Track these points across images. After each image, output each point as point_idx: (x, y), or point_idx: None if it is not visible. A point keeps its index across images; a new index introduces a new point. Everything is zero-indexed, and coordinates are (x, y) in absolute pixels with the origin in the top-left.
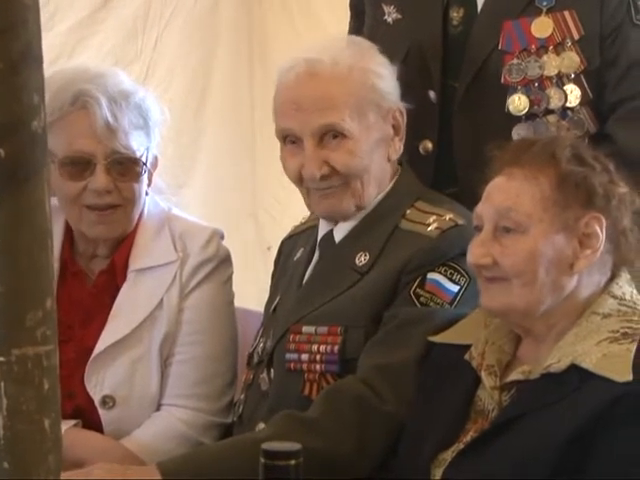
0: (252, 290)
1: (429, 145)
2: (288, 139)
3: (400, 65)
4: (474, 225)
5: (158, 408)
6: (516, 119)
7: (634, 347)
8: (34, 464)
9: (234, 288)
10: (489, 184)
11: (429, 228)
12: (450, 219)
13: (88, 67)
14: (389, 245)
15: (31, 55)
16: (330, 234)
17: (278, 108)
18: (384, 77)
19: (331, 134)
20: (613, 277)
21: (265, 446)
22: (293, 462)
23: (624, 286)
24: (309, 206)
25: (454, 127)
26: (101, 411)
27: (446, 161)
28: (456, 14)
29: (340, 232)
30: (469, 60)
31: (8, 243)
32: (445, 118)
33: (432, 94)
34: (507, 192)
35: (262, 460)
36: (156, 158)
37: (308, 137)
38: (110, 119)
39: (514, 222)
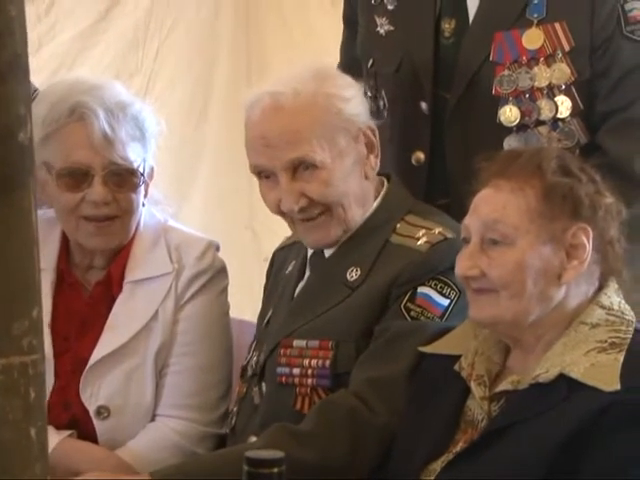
0: (249, 301)
1: (421, 156)
2: (262, 174)
3: (393, 75)
4: (462, 237)
5: (153, 418)
6: (507, 130)
7: (622, 357)
8: (20, 472)
9: (231, 299)
10: (476, 196)
11: (419, 242)
12: (439, 233)
13: (86, 79)
14: (380, 260)
15: (18, 66)
16: (320, 250)
17: (248, 144)
18: (349, 99)
19: (303, 166)
20: (601, 287)
21: (248, 454)
22: (276, 470)
23: (612, 296)
24: (296, 236)
25: (446, 138)
26: (96, 421)
27: (438, 172)
28: (448, 25)
29: (329, 249)
30: (460, 71)
31: None
32: (437, 129)
33: (424, 105)
34: (494, 204)
35: (245, 468)
36: (152, 169)
37: (281, 172)
38: (107, 130)
39: (501, 234)
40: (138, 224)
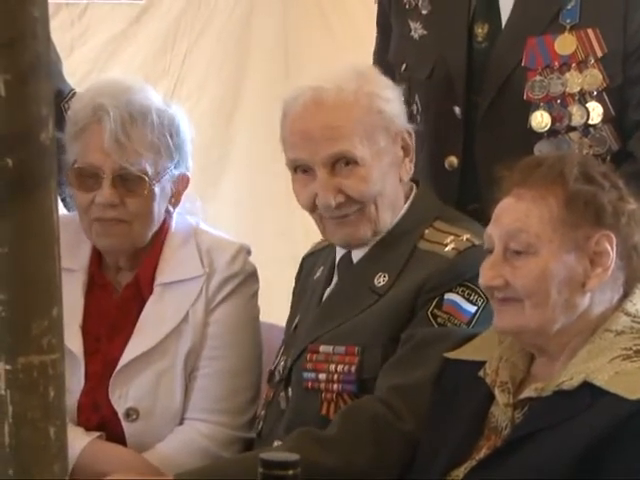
0: (284, 306)
1: (454, 161)
2: (299, 169)
3: (426, 80)
4: (485, 247)
5: (181, 422)
6: (538, 136)
7: None
8: (38, 472)
9: (266, 304)
10: (498, 205)
11: (446, 248)
12: (467, 239)
13: (119, 81)
14: (408, 266)
15: (40, 67)
16: (348, 255)
17: (287, 139)
18: (390, 100)
19: (343, 161)
20: (626, 294)
21: (263, 456)
22: (291, 472)
23: (638, 303)
24: (323, 234)
25: (476, 143)
26: (124, 423)
27: (471, 177)
28: (481, 30)
29: (358, 253)
30: (492, 76)
31: (15, 252)
32: (469, 134)
33: (457, 109)
34: (516, 213)
35: (260, 470)
36: (184, 178)
37: (320, 166)
38: (120, 134)
39: (524, 243)
40: (169, 227)
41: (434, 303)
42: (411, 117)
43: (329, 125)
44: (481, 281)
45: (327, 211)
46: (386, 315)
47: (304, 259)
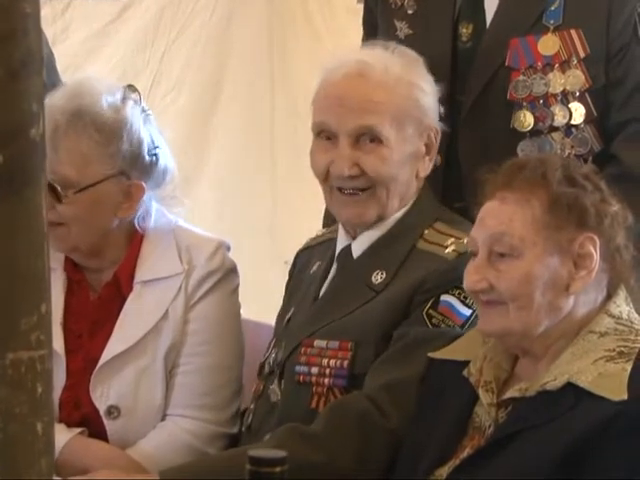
0: (269, 304)
1: (438, 159)
2: (323, 134)
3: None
4: (469, 250)
5: (163, 418)
6: (521, 135)
7: (630, 366)
8: (26, 467)
9: (251, 302)
10: (482, 208)
11: (446, 250)
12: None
13: (73, 84)
14: (406, 265)
15: (31, 63)
16: (348, 249)
17: (319, 102)
18: (428, 94)
19: (367, 137)
20: (610, 295)
21: (251, 452)
22: (278, 469)
23: (622, 305)
24: (331, 208)
25: (459, 141)
26: (106, 421)
27: (454, 175)
28: (465, 30)
29: (358, 247)
30: (476, 75)
31: (4, 248)
32: (454, 132)
33: (441, 108)
34: (500, 216)
35: (248, 466)
36: (137, 185)
37: (344, 135)
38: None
39: (508, 246)
40: (148, 224)
41: (430, 303)
42: None
43: (366, 98)
44: (466, 285)
45: (338, 181)
46: (381, 312)
47: (298, 254)
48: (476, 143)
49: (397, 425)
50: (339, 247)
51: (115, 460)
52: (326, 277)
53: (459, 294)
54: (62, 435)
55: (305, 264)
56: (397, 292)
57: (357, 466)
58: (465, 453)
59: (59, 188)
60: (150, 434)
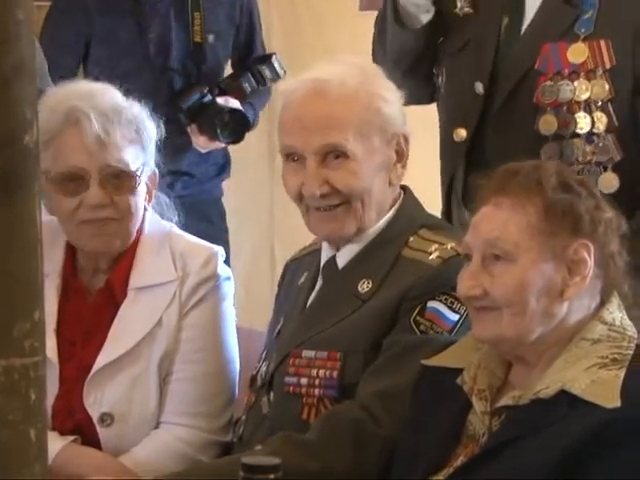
0: (269, 304)
1: (463, 133)
2: (291, 157)
3: (457, 52)
4: (463, 254)
5: (156, 427)
6: (544, 139)
7: (622, 373)
8: (19, 474)
9: (251, 302)
10: (476, 214)
11: (431, 257)
12: (452, 248)
13: (81, 85)
14: (392, 273)
15: (24, 70)
16: (333, 260)
17: (283, 126)
18: (390, 102)
19: (334, 154)
20: (603, 302)
21: (244, 460)
22: (272, 476)
23: (615, 312)
24: (308, 225)
25: (486, 141)
26: (99, 428)
27: (477, 153)
28: (504, 21)
29: (343, 258)
30: (507, 74)
31: None
32: (486, 113)
33: (479, 85)
34: (494, 222)
35: (241, 474)
36: (155, 174)
37: (311, 155)
38: (101, 133)
39: (502, 251)
40: (142, 230)
41: (417, 310)
42: (436, 89)
43: (326, 116)
44: (459, 291)
45: (312, 200)
46: (369, 321)
47: (287, 265)
48: (503, 143)
49: (391, 432)
50: (324, 258)
51: (108, 467)
52: (313, 288)
53: (446, 300)
54: (55, 443)
55: (293, 275)
56: (384, 300)
57: (351, 474)
58: (459, 462)
59: (133, 172)
60: (143, 442)
